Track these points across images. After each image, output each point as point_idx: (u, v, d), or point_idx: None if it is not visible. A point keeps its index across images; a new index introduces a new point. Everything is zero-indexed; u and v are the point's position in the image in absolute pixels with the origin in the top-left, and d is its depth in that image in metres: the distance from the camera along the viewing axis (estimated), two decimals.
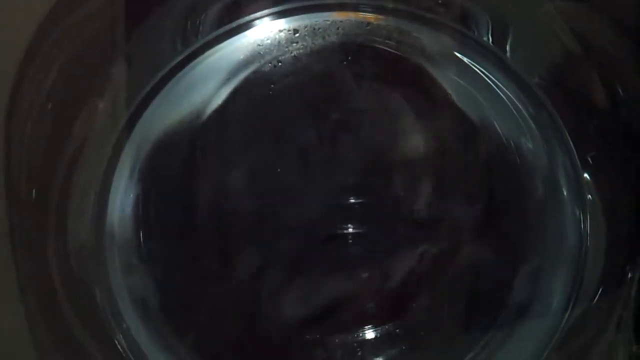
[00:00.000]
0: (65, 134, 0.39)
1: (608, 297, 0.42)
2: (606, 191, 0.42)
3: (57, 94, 0.38)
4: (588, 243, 0.42)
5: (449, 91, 0.43)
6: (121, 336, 0.42)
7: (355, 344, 0.46)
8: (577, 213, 0.42)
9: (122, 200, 0.42)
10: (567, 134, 0.41)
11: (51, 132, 0.38)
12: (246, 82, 0.43)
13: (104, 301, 0.41)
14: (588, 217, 0.42)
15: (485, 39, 0.43)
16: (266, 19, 0.44)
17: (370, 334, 0.46)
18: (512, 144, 0.44)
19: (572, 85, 0.42)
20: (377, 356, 0.46)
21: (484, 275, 0.46)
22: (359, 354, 0.46)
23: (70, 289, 0.40)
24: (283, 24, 0.43)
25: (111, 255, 0.41)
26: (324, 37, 0.43)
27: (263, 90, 0.43)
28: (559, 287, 0.43)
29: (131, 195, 0.43)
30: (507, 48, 0.42)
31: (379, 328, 0.46)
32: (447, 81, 0.43)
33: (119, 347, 0.42)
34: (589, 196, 0.42)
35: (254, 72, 0.43)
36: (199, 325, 0.45)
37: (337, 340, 0.46)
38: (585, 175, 0.42)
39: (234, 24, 0.43)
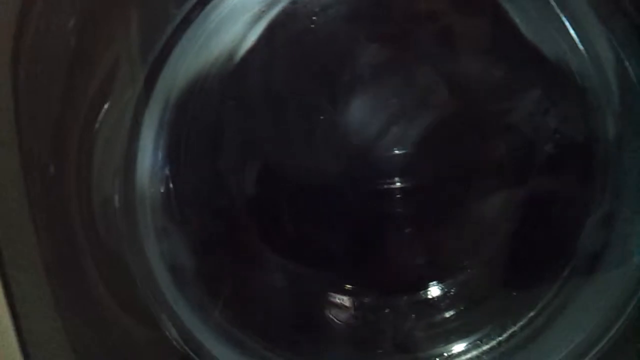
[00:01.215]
0: (85, 79, 0.33)
1: None
2: None
3: (75, 38, 0.33)
4: None
5: (516, 20, 0.38)
6: (158, 306, 0.37)
7: (407, 307, 0.42)
8: None
9: (151, 157, 0.37)
10: None
11: (68, 79, 0.33)
12: (283, 15, 0.38)
13: (135, 265, 0.36)
14: None
15: None
16: None
17: (423, 296, 0.42)
18: (584, 78, 0.39)
19: None
20: (433, 319, 0.42)
21: (548, 224, 0.42)
22: (413, 317, 0.42)
23: (98, 255, 0.35)
24: None
25: (143, 217, 0.37)
26: None
27: (303, 24, 0.38)
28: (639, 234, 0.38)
29: (160, 150, 0.38)
30: None
31: (432, 289, 0.42)
32: (517, 8, 0.38)
33: (156, 318, 0.37)
34: None
35: (292, 1, 0.38)
36: (234, 292, 0.41)
37: (389, 302, 0.42)
38: None
39: None
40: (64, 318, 0.34)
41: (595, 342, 0.39)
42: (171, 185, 0.39)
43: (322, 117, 0.40)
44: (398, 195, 0.42)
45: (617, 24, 0.36)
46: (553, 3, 0.37)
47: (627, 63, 0.36)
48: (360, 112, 0.41)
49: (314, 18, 0.38)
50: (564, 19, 0.38)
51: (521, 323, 0.41)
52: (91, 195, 0.35)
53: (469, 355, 0.41)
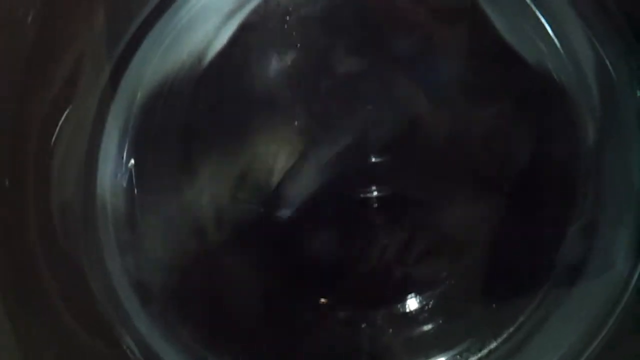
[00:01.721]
0: (44, 80, 0.31)
1: None
2: None
3: (34, 33, 0.31)
4: None
5: (495, 23, 0.37)
6: (118, 322, 0.35)
7: (385, 321, 0.41)
8: None
9: (113, 164, 0.35)
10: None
11: (25, 79, 0.31)
12: (255, 14, 0.36)
13: (97, 281, 0.34)
14: None
15: None
16: None
17: (400, 309, 0.41)
18: (563, 81, 0.38)
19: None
20: (411, 333, 0.41)
21: (529, 232, 0.41)
22: (391, 331, 0.41)
23: (57, 268, 0.33)
24: None
25: (103, 229, 0.34)
26: None
27: (276, 23, 0.36)
28: (623, 242, 0.38)
29: (124, 157, 0.36)
30: None
31: (410, 302, 0.40)
32: (496, 11, 0.37)
33: (116, 333, 0.35)
34: None
35: (265, 1, 0.36)
36: (203, 308, 0.39)
37: (365, 316, 0.41)
38: None
39: None
40: (18, 332, 0.31)
41: (578, 353, 0.38)
42: (135, 194, 0.37)
43: (296, 123, 0.39)
44: (375, 205, 0.41)
45: (597, 23, 0.35)
46: (531, 3, 0.37)
47: (607, 62, 0.36)
48: (336, 119, 0.40)
49: (287, 18, 0.37)
50: (542, 19, 0.37)
51: (502, 337, 0.40)
52: (50, 205, 0.33)
53: None
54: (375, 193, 0.40)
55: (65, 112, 0.32)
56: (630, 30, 0.35)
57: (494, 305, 0.41)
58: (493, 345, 0.40)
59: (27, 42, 0.31)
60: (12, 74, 0.31)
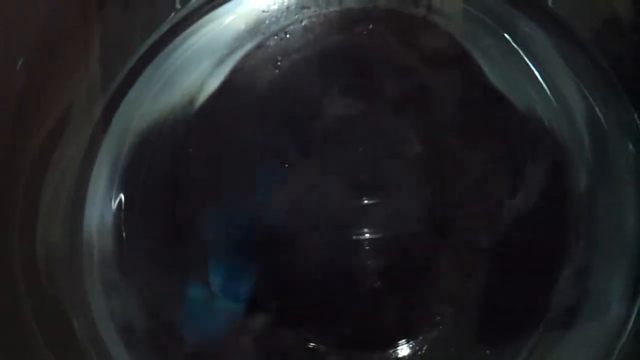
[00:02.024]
0: (33, 124, 0.31)
1: None
2: None
3: (23, 79, 0.31)
4: None
5: (486, 70, 0.38)
6: None
7: None
8: (639, 198, 0.37)
9: (101, 206, 0.34)
10: (630, 106, 0.36)
11: (15, 124, 0.31)
12: (247, 59, 0.36)
13: (81, 326, 0.33)
14: None
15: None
16: None
17: (393, 354, 0.40)
18: (554, 128, 0.38)
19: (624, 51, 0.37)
20: None
21: (521, 277, 0.40)
22: None
23: (41, 312, 0.32)
24: None
25: (89, 271, 0.34)
26: (340, 1, 0.37)
27: (267, 69, 0.37)
28: (617, 285, 0.37)
29: (112, 200, 0.35)
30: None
31: (403, 347, 0.40)
32: (486, 59, 0.37)
33: None
34: None
35: (257, 46, 0.36)
36: (190, 351, 0.38)
37: None
38: None
39: None
40: None
41: None
42: (124, 237, 0.36)
43: (286, 166, 0.38)
44: (367, 248, 0.41)
45: (586, 73, 0.36)
46: (521, 52, 0.37)
47: (597, 111, 0.36)
48: (327, 161, 0.40)
49: (278, 63, 0.37)
50: (532, 66, 0.37)
51: None
52: (35, 247, 0.33)
53: None
54: (367, 235, 0.40)
55: (54, 154, 0.32)
56: (619, 83, 0.35)
57: (487, 351, 0.40)
58: None
59: (16, 87, 0.31)
60: (2, 120, 0.31)
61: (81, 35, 0.31)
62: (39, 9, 0.30)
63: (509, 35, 0.38)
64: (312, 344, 0.40)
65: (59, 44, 0.32)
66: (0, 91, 0.30)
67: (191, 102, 0.36)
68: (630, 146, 0.37)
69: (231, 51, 0.36)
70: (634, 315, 0.36)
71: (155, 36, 0.33)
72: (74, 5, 0.32)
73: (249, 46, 0.37)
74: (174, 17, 0.34)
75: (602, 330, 0.37)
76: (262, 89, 0.37)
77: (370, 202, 0.40)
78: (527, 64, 0.37)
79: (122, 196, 0.36)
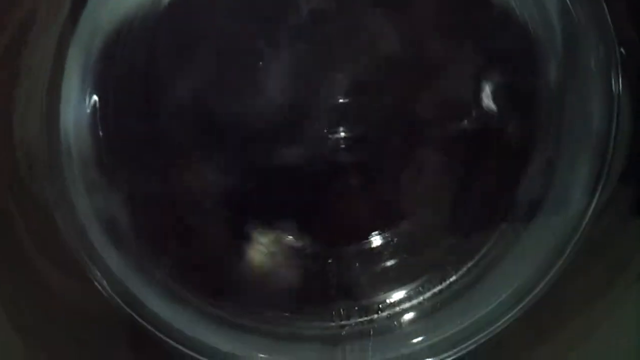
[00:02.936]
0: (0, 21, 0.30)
1: (634, 186, 0.38)
2: (634, 72, 0.37)
3: None
4: (617, 127, 0.37)
5: None
6: (90, 263, 0.36)
7: (351, 256, 0.42)
8: (606, 94, 0.37)
9: (77, 106, 0.34)
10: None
11: None
12: None
13: (66, 224, 0.34)
14: (619, 98, 0.37)
15: None
16: None
17: (366, 245, 0.42)
18: (527, 18, 0.38)
19: None
20: (376, 267, 0.42)
21: (490, 172, 0.41)
22: (357, 265, 0.42)
23: (27, 213, 0.33)
24: None
25: (70, 171, 0.34)
26: None
27: None
28: (579, 179, 0.39)
29: (86, 100, 0.35)
30: None
31: (375, 238, 0.41)
32: None
33: (87, 271, 0.36)
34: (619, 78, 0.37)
35: None
36: (175, 248, 0.40)
37: (333, 252, 0.42)
38: (619, 53, 0.37)
39: None
40: None
41: (534, 285, 0.39)
42: (101, 137, 0.37)
43: (260, 63, 0.38)
44: (342, 146, 0.41)
45: None
46: None
47: (570, 5, 0.36)
48: (303, 59, 0.40)
49: None
50: None
51: (461, 270, 0.41)
52: (13, 144, 0.33)
53: (411, 302, 0.42)
54: (342, 134, 0.41)
55: (25, 51, 0.31)
56: None
57: (454, 241, 0.42)
58: (453, 277, 0.41)
59: None
60: None
61: None
62: None
63: None
64: (289, 236, 0.42)
65: None
66: None
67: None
68: (599, 42, 0.37)
69: None
70: (592, 207, 0.38)
71: None
72: None
73: None
74: None
75: (563, 222, 0.39)
76: None
77: (346, 100, 0.40)
78: None
79: (95, 97, 0.36)
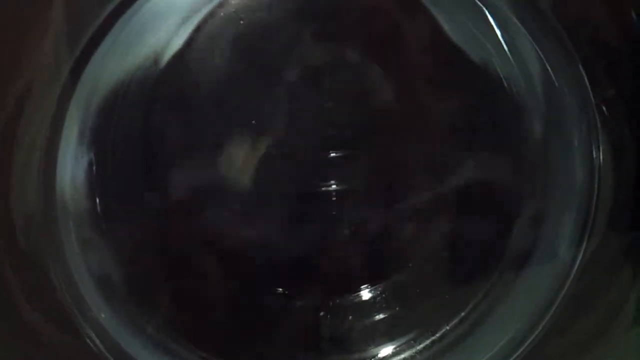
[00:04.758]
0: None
1: (620, 236, 0.39)
2: (614, 128, 0.38)
3: None
4: (599, 181, 0.38)
5: (445, 27, 0.38)
6: (82, 319, 0.36)
7: (343, 309, 0.42)
8: (588, 150, 0.39)
9: (73, 164, 0.35)
10: (580, 67, 0.37)
11: None
12: (211, 17, 0.37)
13: (60, 281, 0.35)
14: (600, 153, 0.38)
15: None
16: None
17: (358, 298, 0.42)
18: (509, 83, 0.39)
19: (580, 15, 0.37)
20: (368, 320, 0.42)
21: (480, 225, 0.42)
22: (350, 318, 0.42)
23: (20, 269, 0.33)
24: None
25: (65, 229, 0.35)
26: None
27: (230, 27, 0.37)
28: (565, 233, 0.39)
29: (83, 158, 0.36)
30: None
31: (367, 291, 0.42)
32: (444, 15, 0.38)
33: (81, 331, 0.36)
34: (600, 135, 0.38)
35: (219, 5, 0.37)
36: (167, 303, 0.40)
37: (324, 305, 0.42)
38: (598, 110, 0.38)
39: None
40: None
41: (524, 337, 0.39)
42: (97, 195, 0.37)
43: (253, 122, 0.39)
44: (333, 198, 0.42)
45: (535, 26, 0.37)
46: (480, 4, 0.38)
47: (547, 65, 0.37)
48: (296, 114, 0.41)
49: (240, 22, 0.37)
50: (491, 21, 0.38)
51: (453, 322, 0.41)
52: (9, 205, 0.34)
53: (403, 355, 0.42)
54: (334, 187, 0.42)
55: (23, 114, 0.32)
56: (569, 41, 0.36)
57: (447, 296, 0.42)
58: (445, 330, 0.42)
59: None
60: None
61: (38, 13, 0.32)
62: None
63: None
64: (279, 289, 0.42)
65: (24, 4, 0.32)
66: None
67: (155, 61, 0.37)
68: (580, 110, 0.38)
69: (193, 10, 0.37)
70: (579, 259, 0.39)
71: (114, 3, 0.33)
72: None
73: (210, 5, 0.37)
74: None
75: (551, 273, 0.39)
76: (227, 45, 0.38)
77: (338, 154, 0.41)
78: (485, 16, 0.38)
79: (92, 155, 0.37)
